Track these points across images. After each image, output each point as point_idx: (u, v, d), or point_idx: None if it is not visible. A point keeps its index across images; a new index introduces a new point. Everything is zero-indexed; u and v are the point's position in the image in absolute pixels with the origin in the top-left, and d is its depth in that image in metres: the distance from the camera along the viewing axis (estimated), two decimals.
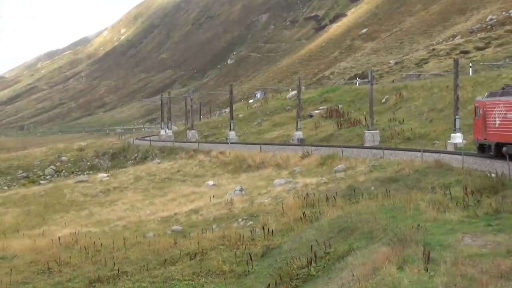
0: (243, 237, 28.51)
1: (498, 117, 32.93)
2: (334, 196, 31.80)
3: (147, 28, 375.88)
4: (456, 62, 44.53)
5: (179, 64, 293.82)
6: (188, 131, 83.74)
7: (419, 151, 40.09)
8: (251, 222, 33.15)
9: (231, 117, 72.07)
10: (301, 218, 29.62)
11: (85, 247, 32.09)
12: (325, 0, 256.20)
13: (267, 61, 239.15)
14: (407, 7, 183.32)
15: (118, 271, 27.56)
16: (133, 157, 75.35)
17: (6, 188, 72.13)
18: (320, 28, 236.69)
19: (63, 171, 77.72)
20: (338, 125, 61.04)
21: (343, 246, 22.00)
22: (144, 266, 27.96)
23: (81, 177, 64.89)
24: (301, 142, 58.06)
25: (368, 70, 78.27)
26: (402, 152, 43.00)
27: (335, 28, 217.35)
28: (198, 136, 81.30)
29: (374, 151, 45.28)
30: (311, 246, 22.71)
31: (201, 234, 31.32)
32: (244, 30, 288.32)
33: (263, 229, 28.89)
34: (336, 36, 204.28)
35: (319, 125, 64.90)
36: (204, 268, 26.32)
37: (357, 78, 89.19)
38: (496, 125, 33.04)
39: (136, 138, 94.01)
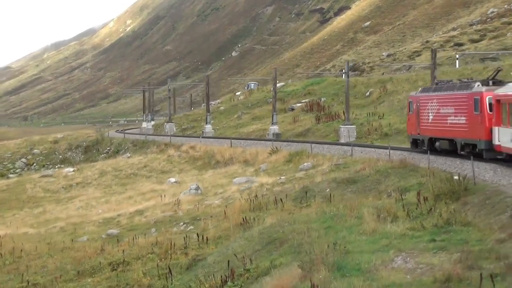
0: (174, 245, 26.31)
1: (431, 112, 32.58)
2: (282, 199, 28.73)
3: (153, 19, 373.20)
4: (433, 53, 40.94)
5: (183, 56, 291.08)
6: (165, 123, 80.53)
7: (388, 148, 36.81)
8: (191, 227, 30.66)
9: (208, 110, 68.91)
10: (241, 223, 26.88)
11: (1, 254, 29.30)
12: None
13: (271, 54, 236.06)
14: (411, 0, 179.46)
15: (28, 283, 25.29)
16: (106, 150, 72.40)
17: None
18: (324, 21, 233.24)
19: (34, 164, 74.50)
20: (316, 120, 57.45)
21: (265, 262, 19.32)
22: (59, 277, 25.49)
23: (46, 172, 61.97)
24: (277, 137, 54.72)
25: (359, 62, 74.74)
26: (372, 149, 39.69)
27: (339, 21, 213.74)
28: (176, 129, 77.91)
29: (345, 147, 41.96)
30: (228, 261, 20.10)
31: (133, 240, 28.81)
32: (249, 22, 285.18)
33: (198, 236, 26.39)
34: (339, 29, 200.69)
35: (297, 119, 61.52)
36: (122, 281, 24.51)
37: (343, 70, 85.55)
38: (429, 120, 32.83)
39: (116, 131, 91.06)
